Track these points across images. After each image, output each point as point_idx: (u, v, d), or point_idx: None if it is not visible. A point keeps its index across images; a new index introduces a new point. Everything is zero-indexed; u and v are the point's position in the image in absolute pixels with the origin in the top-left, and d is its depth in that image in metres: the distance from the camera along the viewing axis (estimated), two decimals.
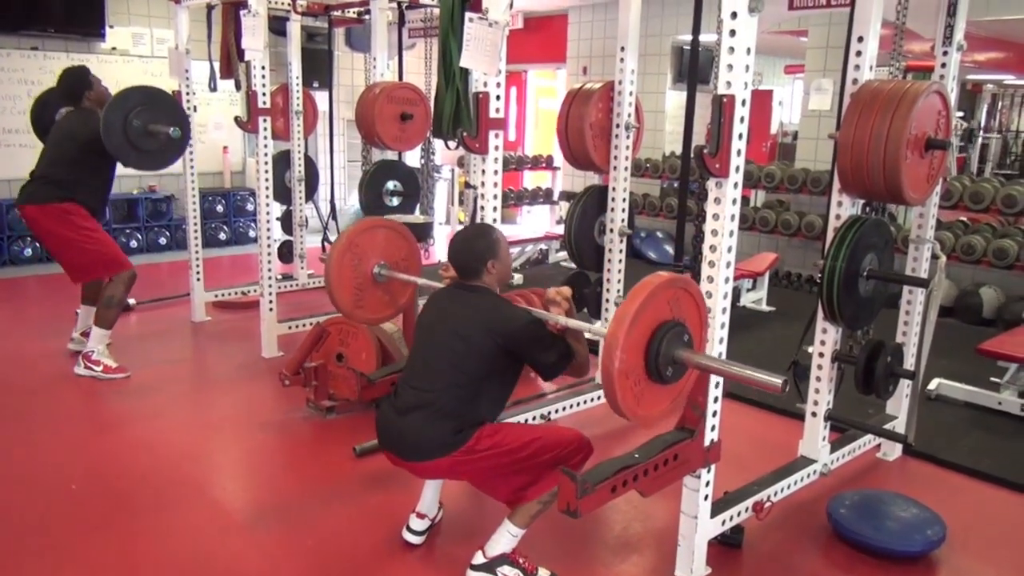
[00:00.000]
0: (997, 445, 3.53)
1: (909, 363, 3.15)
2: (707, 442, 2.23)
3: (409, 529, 2.61)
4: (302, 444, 3.46)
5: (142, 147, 4.00)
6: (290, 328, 4.60)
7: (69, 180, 3.99)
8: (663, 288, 1.95)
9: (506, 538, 2.34)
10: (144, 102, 4.01)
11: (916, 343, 3.14)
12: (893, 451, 3.38)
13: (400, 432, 2.36)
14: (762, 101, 9.27)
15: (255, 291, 5.07)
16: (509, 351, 2.33)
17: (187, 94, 4.81)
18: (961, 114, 9.93)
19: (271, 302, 4.46)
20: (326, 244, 5.62)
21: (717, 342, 2.21)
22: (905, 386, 3.23)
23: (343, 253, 3.05)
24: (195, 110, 4.92)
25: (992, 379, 4.04)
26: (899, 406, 3.28)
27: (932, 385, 4.05)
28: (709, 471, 2.29)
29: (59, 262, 4.22)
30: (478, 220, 2.91)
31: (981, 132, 10.90)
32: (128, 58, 7.14)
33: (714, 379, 2.19)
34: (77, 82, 4.09)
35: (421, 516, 2.62)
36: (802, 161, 6.61)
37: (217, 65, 5.28)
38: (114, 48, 7.10)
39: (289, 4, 4.83)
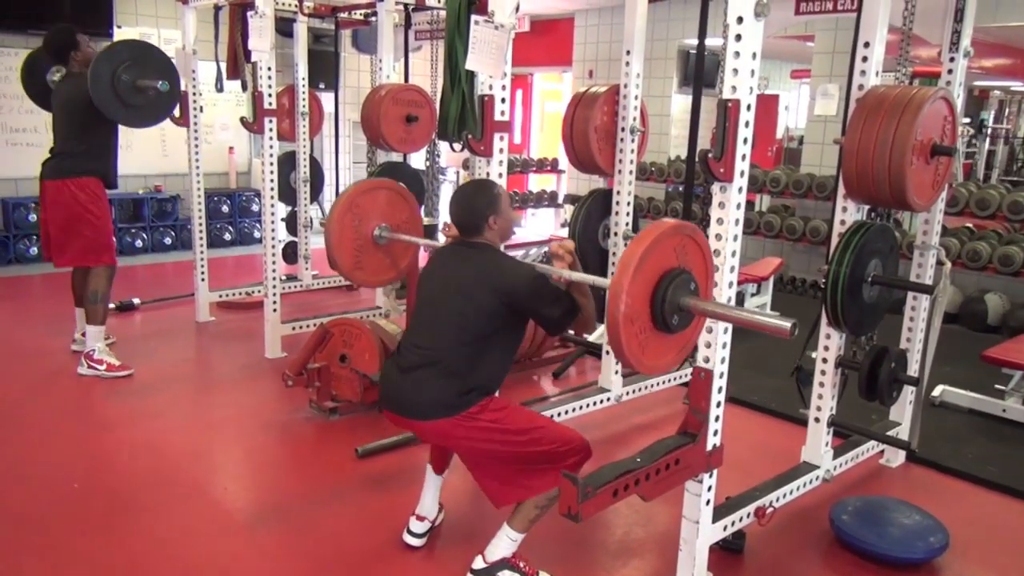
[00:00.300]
0: (1001, 452, 3.52)
1: (913, 369, 3.14)
2: (709, 447, 2.22)
3: (409, 531, 2.61)
4: (304, 445, 3.46)
5: (131, 102, 3.94)
6: (294, 329, 4.61)
7: (82, 150, 3.99)
8: (669, 234, 1.89)
9: (505, 542, 2.33)
10: (133, 57, 3.93)
11: (920, 349, 3.13)
12: (896, 457, 3.37)
13: (403, 389, 2.33)
14: (768, 106, 9.25)
15: (259, 291, 5.09)
16: (514, 308, 2.30)
17: (194, 95, 4.83)
18: (968, 120, 9.91)
19: (275, 303, 4.46)
20: None
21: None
22: (909, 392, 3.22)
23: (344, 213, 3.00)
24: (201, 111, 4.93)
25: (997, 386, 4.03)
26: (903, 412, 3.27)
27: (936, 392, 4.04)
28: (711, 476, 2.28)
29: (48, 241, 4.13)
30: None
31: (991, 127, 10.88)
32: None
33: (716, 384, 2.18)
34: (64, 39, 4.02)
35: (421, 518, 2.61)
36: (807, 166, 6.60)
37: (224, 66, 5.29)
38: None
39: (296, 6, 4.84)
